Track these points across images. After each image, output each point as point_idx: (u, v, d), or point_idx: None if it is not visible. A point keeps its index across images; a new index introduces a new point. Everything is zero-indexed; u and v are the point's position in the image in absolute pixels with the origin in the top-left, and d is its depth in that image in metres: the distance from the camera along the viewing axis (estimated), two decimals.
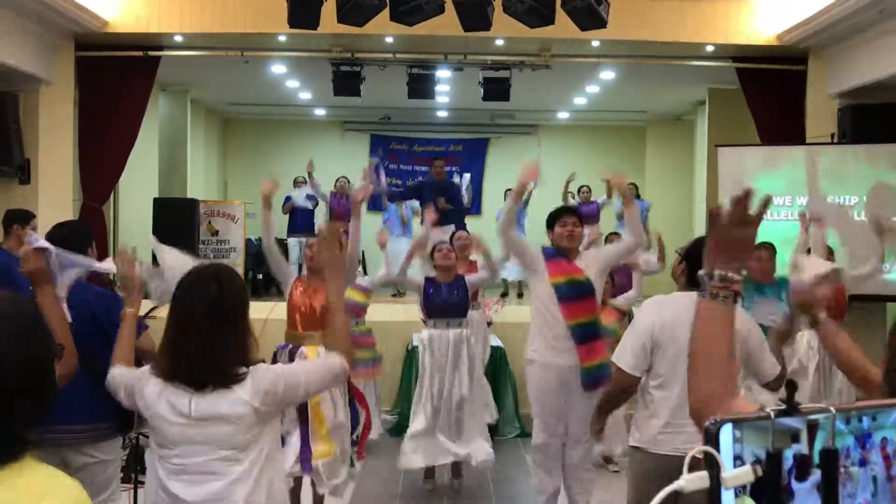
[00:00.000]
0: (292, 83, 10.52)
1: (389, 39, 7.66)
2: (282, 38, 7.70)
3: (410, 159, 13.58)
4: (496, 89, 8.38)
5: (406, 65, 8.32)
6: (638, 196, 11.00)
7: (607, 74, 9.38)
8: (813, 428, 0.97)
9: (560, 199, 11.05)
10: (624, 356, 3.14)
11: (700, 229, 9.16)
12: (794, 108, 7.78)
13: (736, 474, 0.96)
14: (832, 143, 7.44)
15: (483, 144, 13.62)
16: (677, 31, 7.39)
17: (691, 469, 0.97)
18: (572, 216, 4.48)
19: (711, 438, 0.97)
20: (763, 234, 5.84)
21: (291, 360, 4.56)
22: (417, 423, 5.14)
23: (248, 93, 11.25)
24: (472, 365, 5.21)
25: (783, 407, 1.00)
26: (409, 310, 7.05)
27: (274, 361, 4.52)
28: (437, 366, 5.12)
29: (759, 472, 0.95)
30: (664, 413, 3.04)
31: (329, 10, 6.15)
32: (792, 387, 1.05)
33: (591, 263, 4.40)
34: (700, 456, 0.97)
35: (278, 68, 9.40)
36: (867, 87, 6.94)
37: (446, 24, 6.20)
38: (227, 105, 12.46)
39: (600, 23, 5.58)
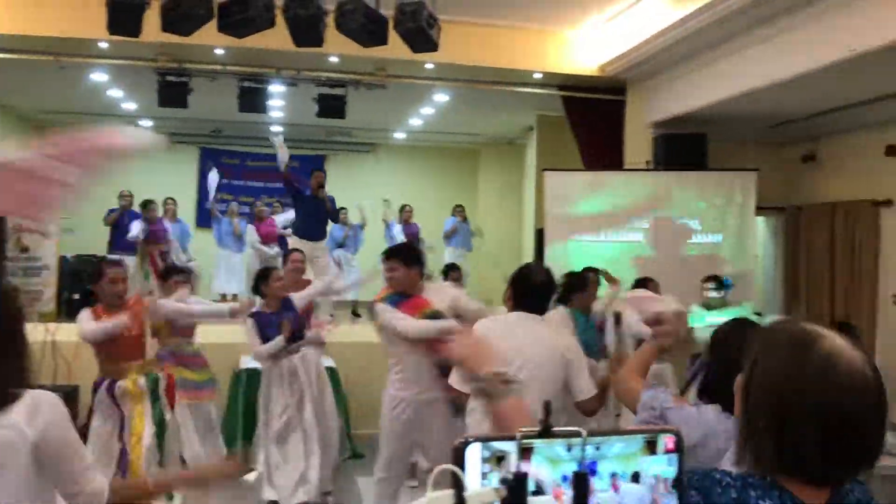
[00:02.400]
0: (115, 92, 9.97)
1: (219, 51, 7.43)
2: (103, 45, 7.27)
3: (243, 174, 13.24)
4: (331, 106, 8.32)
5: (237, 77, 8.10)
6: (465, 219, 11.30)
7: (441, 97, 9.56)
8: (527, 451, 0.99)
9: (380, 221, 11.21)
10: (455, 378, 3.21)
11: (529, 249, 9.48)
12: (615, 135, 8.23)
13: (478, 493, 0.97)
14: (648, 170, 7.93)
15: (320, 161, 13.47)
16: (507, 58, 7.64)
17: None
18: (387, 260, 4.33)
19: (458, 457, 0.98)
20: (588, 257, 6.14)
21: (111, 394, 4.31)
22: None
23: (67, 100, 10.54)
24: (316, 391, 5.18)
25: (538, 428, 1.02)
26: (237, 330, 6.80)
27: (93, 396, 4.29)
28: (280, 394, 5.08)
29: (504, 493, 0.97)
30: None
31: (154, 18, 5.88)
32: (547, 408, 1.09)
33: (443, 298, 4.34)
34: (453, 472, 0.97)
35: (99, 76, 8.88)
36: (677, 119, 7.47)
37: (278, 38, 6.08)
38: (41, 113, 11.61)
39: (432, 46, 5.66)
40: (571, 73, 7.88)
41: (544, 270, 3.47)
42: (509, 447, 0.99)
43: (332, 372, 6.75)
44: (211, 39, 6.35)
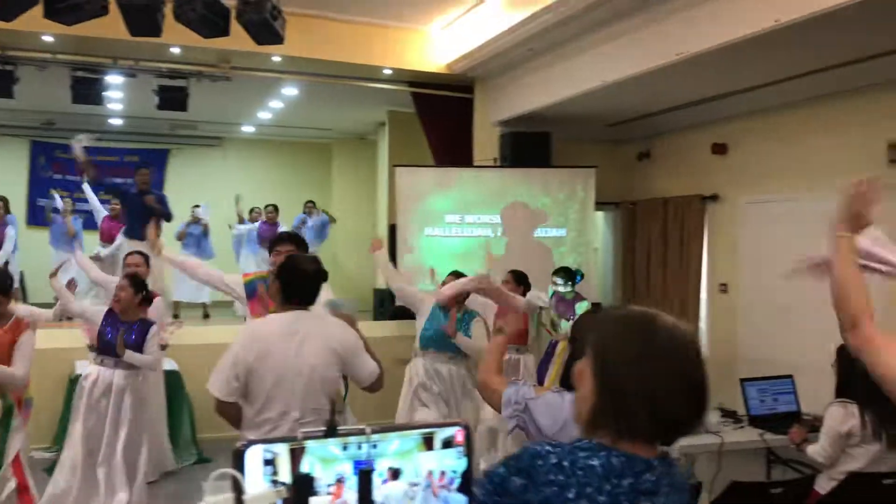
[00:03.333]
0: None
1: (48, 38, 6.96)
2: None
3: (78, 169, 12.50)
4: (173, 98, 7.98)
5: (69, 67, 7.62)
6: (312, 213, 11.17)
7: (290, 90, 9.39)
8: (298, 451, 1.00)
9: (236, 219, 10.92)
10: (218, 385, 3.11)
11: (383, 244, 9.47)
12: (464, 132, 8.39)
13: (257, 496, 0.97)
14: (496, 167, 8.13)
15: (163, 155, 12.94)
16: (356, 53, 7.61)
17: None
18: (282, 243, 4.12)
19: (238, 460, 0.98)
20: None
21: None
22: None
23: None
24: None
25: (323, 430, 1.03)
26: (72, 335, 6.43)
27: None
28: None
29: (284, 494, 0.97)
30: (265, 429, 3.07)
31: None
32: (333, 407, 1.11)
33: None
34: (232, 475, 0.97)
35: None
36: (523, 117, 7.71)
37: (114, 26, 5.77)
38: None
39: (277, 38, 5.54)
40: (421, 70, 7.95)
41: (313, 260, 3.37)
42: (280, 449, 0.98)
43: (176, 376, 6.52)
44: (39, 25, 5.94)
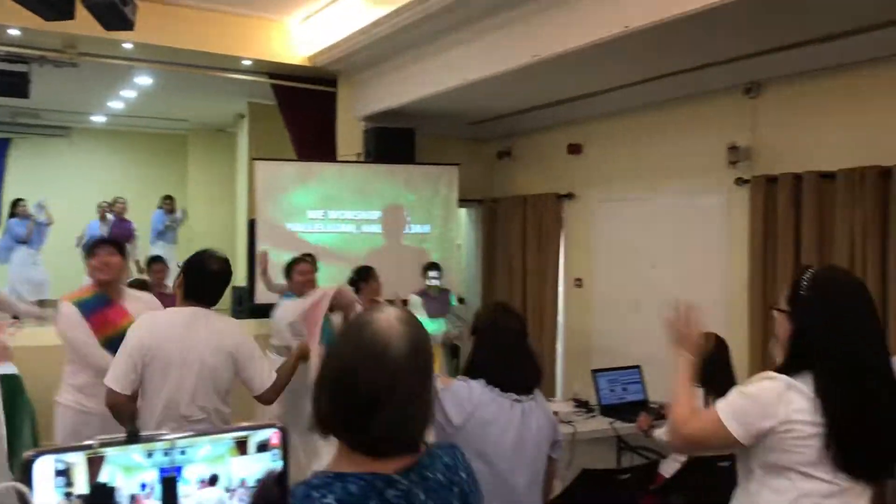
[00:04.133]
0: None
1: None
2: None
3: None
4: (12, 84, 7.44)
5: None
6: (172, 210, 10.77)
7: (144, 79, 8.97)
8: (97, 461, 0.96)
9: (95, 211, 10.34)
10: (114, 377, 3.08)
11: (242, 240, 9.24)
12: (327, 127, 8.29)
13: None
14: (359, 162, 8.09)
15: (3, 145, 12.08)
16: (214, 43, 7.35)
17: None
18: (102, 247, 3.92)
19: (26, 471, 0.92)
20: (302, 248, 6.05)
21: None
22: None
23: None
24: None
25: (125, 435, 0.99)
26: None
27: None
28: None
29: None
30: (149, 423, 3.05)
31: None
32: (133, 416, 1.08)
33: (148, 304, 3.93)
34: (18, 490, 0.91)
35: None
36: (387, 113, 7.70)
37: None
38: None
39: (127, 24, 5.26)
40: (282, 62, 7.78)
41: (221, 259, 3.31)
42: (76, 458, 0.93)
43: (15, 380, 6.10)
44: None
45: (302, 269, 5.69)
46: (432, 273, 7.04)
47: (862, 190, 5.04)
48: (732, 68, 5.70)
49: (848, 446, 1.97)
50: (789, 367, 2.07)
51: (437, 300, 7.07)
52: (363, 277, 6.06)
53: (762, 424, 2.02)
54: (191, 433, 1.03)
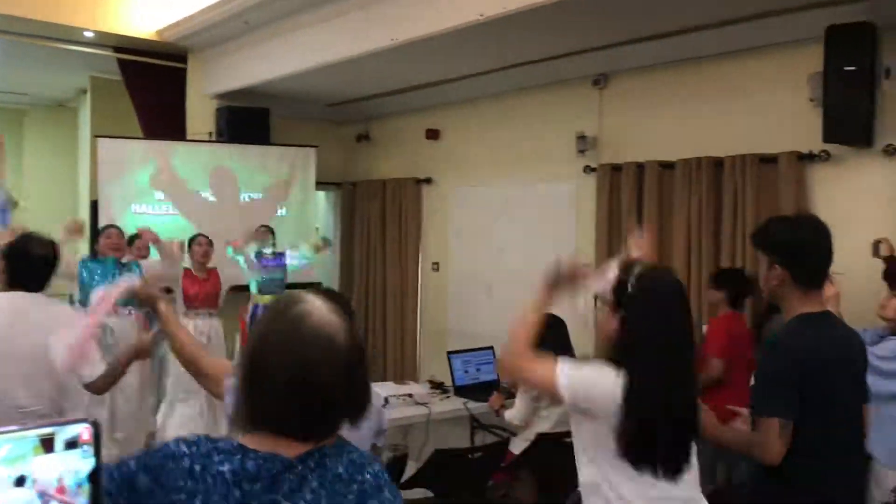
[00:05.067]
0: None
1: None
2: None
3: None
4: None
5: None
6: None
7: None
8: None
9: None
10: None
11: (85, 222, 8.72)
12: (176, 104, 7.94)
13: None
14: (211, 142, 7.82)
15: None
16: (52, 12, 6.87)
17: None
18: None
19: None
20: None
21: None
22: None
23: None
24: None
25: None
26: None
27: None
28: None
29: None
30: None
31: None
32: None
33: None
34: None
35: None
36: (240, 92, 7.48)
37: None
38: None
39: None
40: (128, 34, 7.38)
41: (46, 243, 3.23)
42: None
43: None
44: None
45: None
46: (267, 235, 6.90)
47: (698, 178, 5.37)
48: (582, 60, 5.90)
49: (651, 438, 2.11)
50: (612, 360, 2.18)
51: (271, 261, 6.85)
52: (190, 243, 6.32)
53: (591, 398, 2.13)
54: None
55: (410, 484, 3.85)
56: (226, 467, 1.26)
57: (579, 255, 2.43)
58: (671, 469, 2.15)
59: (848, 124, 4.51)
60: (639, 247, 2.64)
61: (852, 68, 4.38)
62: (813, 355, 2.43)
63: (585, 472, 2.22)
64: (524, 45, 5.67)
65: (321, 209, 8.92)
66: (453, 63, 6.31)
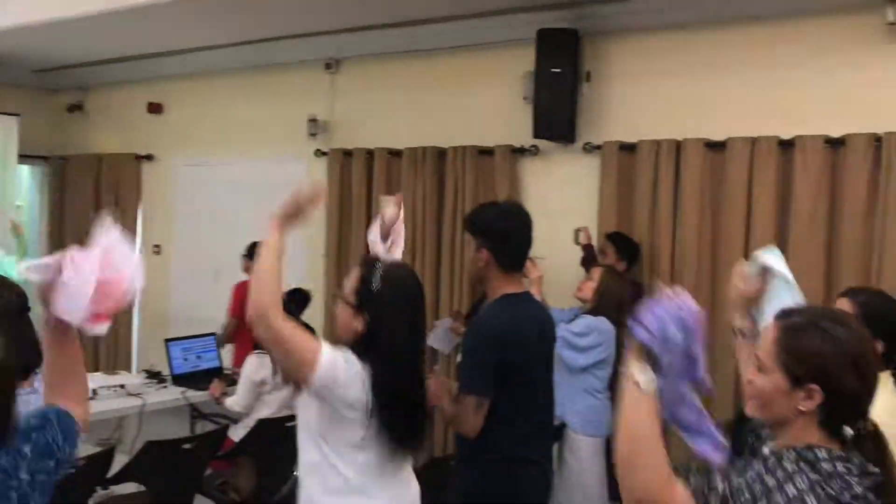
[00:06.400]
0: None
1: None
2: None
3: None
4: None
5: None
6: None
7: None
8: None
9: None
10: None
11: None
12: None
13: None
14: None
15: None
16: None
17: None
18: None
19: None
20: None
21: None
22: None
23: None
24: None
25: None
26: None
27: None
28: None
29: None
30: None
31: None
32: None
33: None
34: None
35: None
36: None
37: None
38: None
39: None
40: None
41: None
42: None
43: None
44: None
45: None
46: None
47: (423, 166, 5.57)
48: (313, 42, 5.87)
49: (392, 424, 2.18)
50: (353, 350, 2.20)
51: None
52: None
53: (343, 383, 2.13)
54: None
55: (120, 478, 3.62)
56: None
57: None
58: (412, 446, 2.27)
59: (554, 122, 4.91)
60: (397, 203, 2.66)
61: (558, 70, 4.77)
62: (513, 332, 2.61)
63: (308, 454, 2.21)
64: (252, 22, 5.52)
65: (25, 185, 8.06)
66: (178, 34, 5.99)
